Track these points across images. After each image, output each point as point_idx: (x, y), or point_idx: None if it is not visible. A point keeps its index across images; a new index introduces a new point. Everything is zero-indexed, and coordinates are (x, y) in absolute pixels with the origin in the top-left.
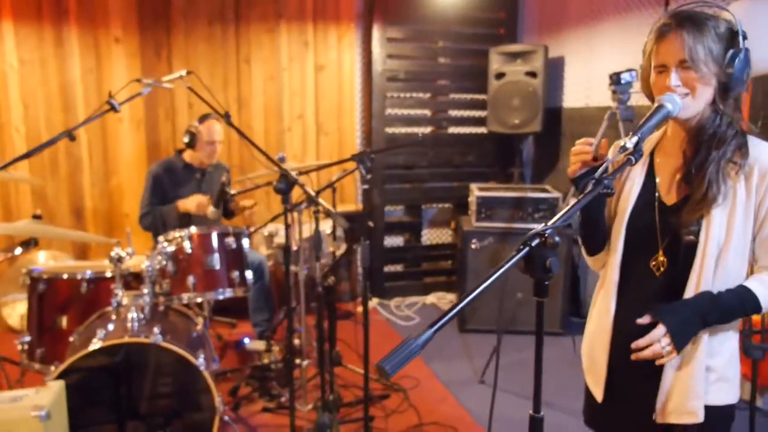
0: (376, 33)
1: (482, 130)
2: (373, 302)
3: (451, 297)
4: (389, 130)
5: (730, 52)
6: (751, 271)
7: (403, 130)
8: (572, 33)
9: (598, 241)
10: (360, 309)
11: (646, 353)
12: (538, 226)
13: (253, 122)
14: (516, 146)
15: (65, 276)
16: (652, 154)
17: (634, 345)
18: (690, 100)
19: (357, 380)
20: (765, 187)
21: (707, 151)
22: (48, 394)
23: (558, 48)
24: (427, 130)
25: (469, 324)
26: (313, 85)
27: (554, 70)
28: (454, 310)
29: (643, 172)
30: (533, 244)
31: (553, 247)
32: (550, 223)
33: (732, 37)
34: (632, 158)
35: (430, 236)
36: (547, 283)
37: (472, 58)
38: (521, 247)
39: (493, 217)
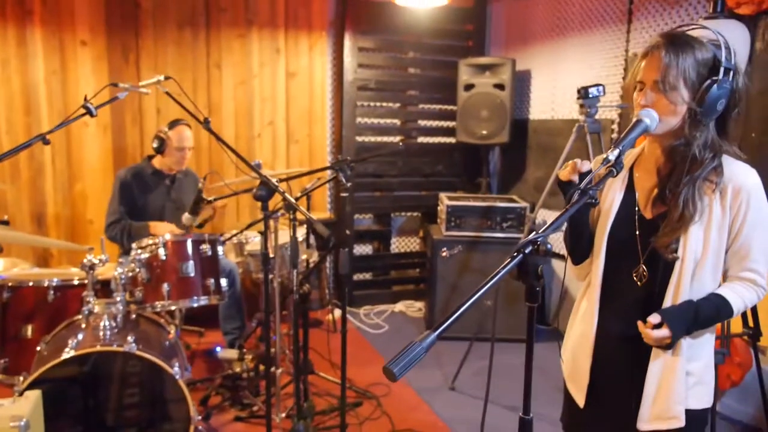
0: (348, 42)
1: (451, 140)
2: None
3: (419, 305)
4: (360, 138)
5: (707, 82)
6: (723, 280)
7: (374, 139)
8: (538, 47)
9: (583, 251)
10: (329, 317)
11: (651, 336)
12: (499, 236)
13: (223, 128)
14: (484, 156)
15: (31, 283)
16: (631, 169)
17: (647, 324)
18: (656, 121)
19: (329, 388)
20: (738, 205)
21: (680, 173)
22: (26, 404)
23: (525, 61)
24: (397, 139)
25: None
26: (284, 92)
27: (521, 82)
28: (456, 314)
29: (623, 186)
30: (527, 251)
31: (544, 254)
32: (541, 231)
33: (715, 66)
34: (614, 170)
35: (398, 245)
36: (538, 289)
37: (442, 69)
38: (515, 254)
39: (462, 226)
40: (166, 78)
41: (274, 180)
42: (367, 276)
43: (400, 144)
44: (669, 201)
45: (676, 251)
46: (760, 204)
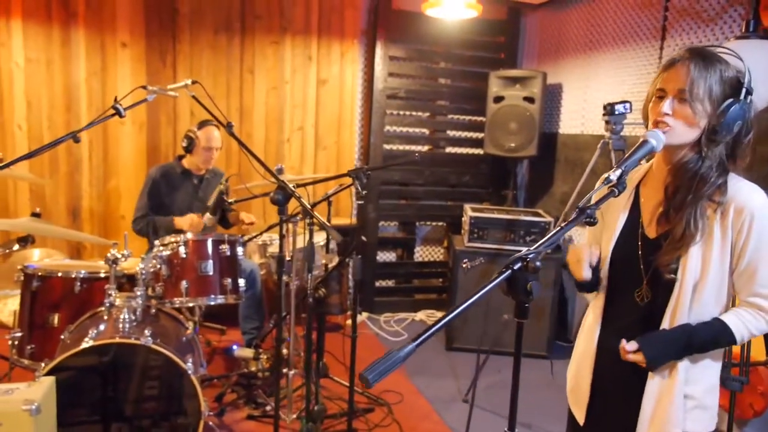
0: (379, 51)
1: (479, 151)
2: (363, 316)
3: (440, 315)
4: (387, 146)
5: (729, 100)
6: (732, 303)
7: (401, 147)
8: (570, 61)
9: (592, 286)
10: (349, 322)
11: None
12: (522, 250)
13: (253, 132)
14: (511, 169)
15: (60, 274)
16: (638, 187)
17: (621, 347)
18: (670, 131)
19: (343, 393)
20: (740, 224)
21: (686, 191)
22: (39, 389)
23: (556, 75)
24: (425, 148)
25: (456, 342)
26: (315, 98)
27: (552, 96)
28: (436, 327)
29: (628, 203)
30: (515, 267)
31: (534, 271)
32: (533, 248)
33: (736, 86)
34: (615, 190)
35: (422, 253)
36: (527, 305)
37: (472, 80)
38: (504, 269)
39: (484, 237)
40: (193, 82)
41: (292, 185)
42: (390, 283)
43: (417, 154)
44: (672, 220)
45: (675, 272)
46: (766, 225)
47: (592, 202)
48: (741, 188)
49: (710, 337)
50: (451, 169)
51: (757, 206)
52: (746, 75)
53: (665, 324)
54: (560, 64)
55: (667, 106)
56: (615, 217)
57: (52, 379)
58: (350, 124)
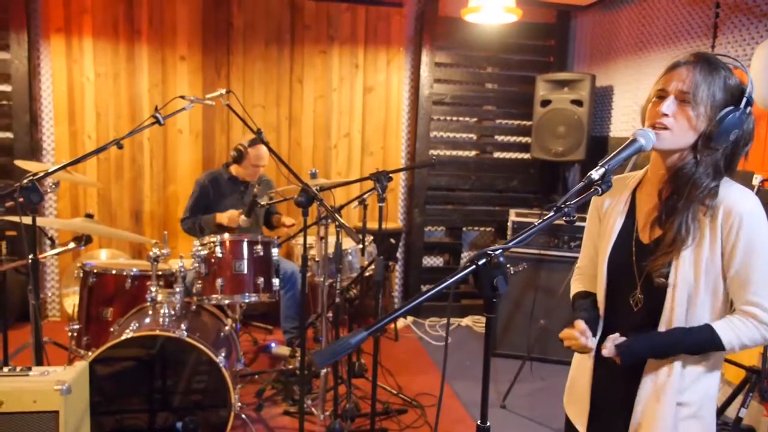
0: (425, 57)
1: (526, 156)
2: (408, 320)
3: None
4: (434, 152)
5: (728, 108)
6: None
7: (448, 152)
8: (621, 62)
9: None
10: (393, 325)
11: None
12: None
13: (302, 139)
14: (560, 173)
15: (113, 272)
16: (635, 192)
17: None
18: (668, 133)
19: (379, 393)
20: (729, 227)
21: (679, 196)
22: (72, 372)
23: (607, 77)
24: (472, 153)
25: (499, 348)
26: (361, 105)
27: (602, 98)
28: (388, 318)
29: (624, 210)
30: (479, 262)
31: (497, 266)
32: (504, 244)
33: (738, 95)
34: (599, 189)
35: None
36: (494, 300)
37: (520, 84)
38: (468, 264)
39: (528, 242)
40: (227, 91)
41: (316, 188)
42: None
43: (433, 158)
44: (664, 225)
45: (666, 276)
46: (756, 229)
47: (572, 201)
48: (732, 191)
49: (695, 342)
50: (498, 174)
51: (747, 210)
52: (749, 85)
53: (662, 329)
54: (611, 66)
55: (666, 106)
56: (612, 222)
57: (85, 363)
58: (396, 130)
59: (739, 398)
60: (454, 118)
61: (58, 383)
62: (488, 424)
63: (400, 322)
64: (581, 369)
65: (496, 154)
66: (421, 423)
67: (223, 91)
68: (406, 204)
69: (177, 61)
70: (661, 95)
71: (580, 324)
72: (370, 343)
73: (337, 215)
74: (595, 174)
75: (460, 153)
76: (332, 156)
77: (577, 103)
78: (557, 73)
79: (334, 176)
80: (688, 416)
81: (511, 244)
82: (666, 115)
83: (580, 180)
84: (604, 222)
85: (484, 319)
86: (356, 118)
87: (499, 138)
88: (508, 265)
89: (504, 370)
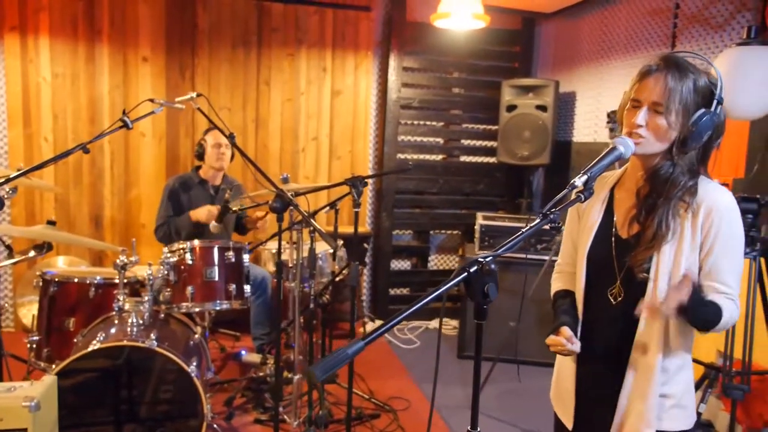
0: (393, 62)
1: (492, 160)
2: (376, 324)
3: (454, 323)
4: (401, 155)
5: (701, 110)
6: None
7: (415, 156)
8: (584, 69)
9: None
10: (362, 330)
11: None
12: (533, 257)
13: (269, 142)
14: (526, 177)
15: (75, 280)
16: (613, 190)
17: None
18: (643, 141)
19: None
20: (709, 225)
21: (658, 194)
22: (40, 387)
23: (570, 83)
24: (439, 157)
25: (468, 350)
26: (329, 109)
27: (565, 104)
28: (386, 327)
29: (602, 207)
30: (471, 270)
31: (489, 273)
32: (492, 251)
33: (708, 96)
34: (582, 196)
35: (437, 262)
36: (485, 307)
37: (486, 89)
38: (460, 271)
39: (495, 245)
40: (198, 95)
41: (291, 194)
42: (404, 291)
43: (410, 163)
44: (644, 221)
45: (648, 271)
46: (731, 225)
47: (557, 207)
48: (710, 190)
49: (713, 313)
50: (465, 177)
51: (725, 207)
52: (719, 83)
53: (642, 322)
54: (574, 73)
55: (641, 117)
56: (591, 219)
57: (54, 377)
58: (364, 134)
59: (698, 394)
60: (422, 123)
61: (26, 399)
62: (479, 429)
63: (369, 326)
64: (565, 367)
65: (463, 158)
66: (394, 427)
67: (194, 94)
68: (374, 208)
69: (139, 62)
70: (635, 105)
71: (566, 331)
72: None
73: (312, 220)
74: (578, 181)
75: (428, 157)
76: (300, 160)
77: (542, 108)
78: (522, 79)
79: (302, 180)
80: (673, 406)
81: (500, 251)
82: (641, 125)
83: (544, 183)
84: (583, 219)
85: (453, 322)
86: (324, 121)
87: (466, 142)
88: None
89: (472, 371)
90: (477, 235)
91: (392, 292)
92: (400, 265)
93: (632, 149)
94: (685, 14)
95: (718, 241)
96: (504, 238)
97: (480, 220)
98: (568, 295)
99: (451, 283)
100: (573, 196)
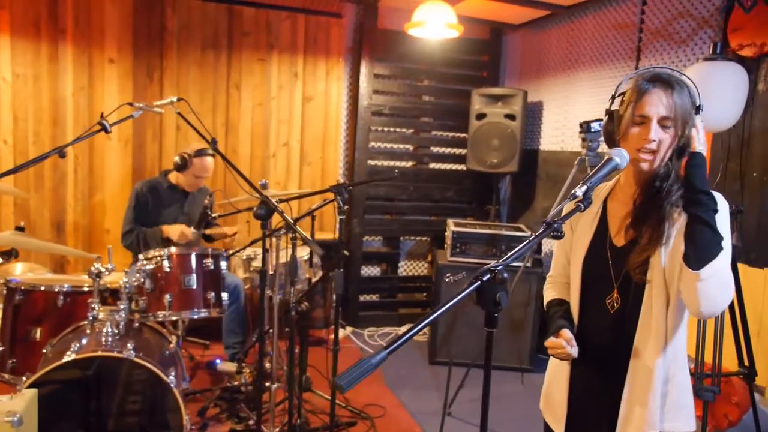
0: (364, 69)
1: (462, 167)
2: (347, 330)
3: (424, 329)
4: (372, 162)
5: (694, 118)
6: None
7: (386, 163)
8: (551, 80)
9: None
10: (333, 336)
11: None
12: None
13: (239, 147)
14: (494, 185)
15: (42, 288)
16: (605, 201)
17: None
18: (655, 156)
19: (325, 406)
20: None
21: (653, 200)
22: (21, 401)
23: (537, 93)
24: (409, 164)
25: (439, 356)
26: (300, 114)
27: (533, 113)
28: (409, 335)
29: (596, 217)
30: (484, 278)
31: (501, 282)
32: (502, 260)
33: (692, 106)
34: (581, 205)
35: (406, 268)
36: (496, 315)
37: (455, 97)
38: (473, 280)
39: (467, 252)
40: (179, 99)
41: (275, 200)
42: (374, 297)
43: (396, 171)
44: (639, 227)
45: (645, 273)
46: (725, 215)
47: (559, 217)
48: None
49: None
50: (434, 184)
51: (718, 199)
52: (696, 91)
53: (642, 327)
54: (541, 83)
55: (654, 132)
56: (584, 230)
57: (34, 391)
58: (335, 140)
59: None
60: (392, 129)
61: (9, 414)
62: None
63: (341, 332)
64: (558, 374)
65: (433, 165)
66: None
67: (174, 98)
68: (345, 214)
69: (105, 63)
70: (641, 121)
71: (566, 333)
72: (316, 356)
73: (298, 227)
74: (579, 191)
75: (398, 164)
76: (270, 165)
77: (511, 117)
78: (492, 88)
79: (273, 186)
80: (673, 407)
81: (510, 259)
82: (654, 140)
83: (512, 191)
84: (576, 232)
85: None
86: (295, 127)
87: (436, 149)
88: (448, 274)
89: (445, 377)
90: (449, 241)
91: (362, 298)
92: (370, 271)
93: (627, 160)
94: (650, 29)
95: None
96: (476, 244)
97: (452, 227)
98: (563, 303)
99: (466, 292)
100: (573, 206)
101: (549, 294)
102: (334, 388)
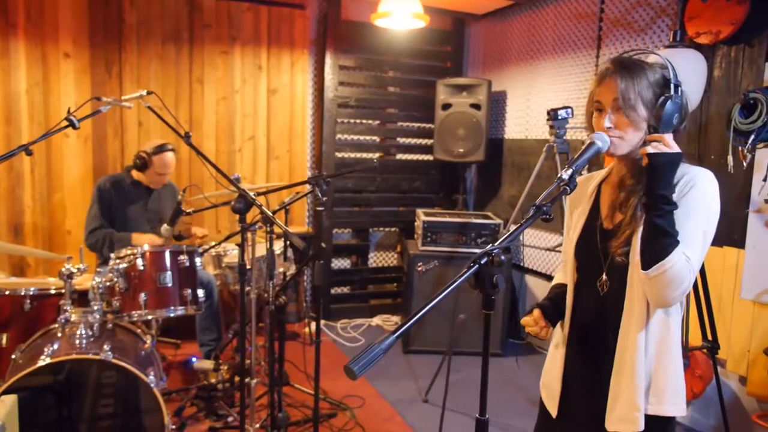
0: (329, 60)
1: (429, 157)
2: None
3: (396, 319)
4: (339, 154)
5: (662, 98)
6: None
7: (353, 155)
8: (514, 69)
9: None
10: (306, 330)
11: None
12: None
13: (204, 142)
14: (460, 174)
15: (7, 292)
16: (600, 186)
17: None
18: (619, 141)
19: (304, 399)
20: (683, 191)
21: (638, 181)
22: (2, 408)
23: (501, 82)
24: (376, 156)
25: (413, 345)
26: (266, 108)
27: (497, 103)
28: (414, 319)
29: (590, 202)
30: (482, 261)
31: (499, 264)
32: (497, 243)
33: (666, 84)
34: (567, 188)
35: (376, 259)
36: (493, 297)
37: (421, 88)
38: (471, 264)
39: (438, 241)
40: (149, 93)
41: (251, 194)
42: (345, 290)
43: (375, 161)
44: (625, 207)
45: (626, 255)
46: (703, 192)
47: (546, 200)
48: (692, 169)
49: (671, 225)
50: (402, 175)
51: (700, 177)
52: (670, 71)
53: (626, 309)
54: (504, 72)
55: (607, 121)
56: (579, 214)
57: (13, 397)
58: (302, 133)
59: None
60: (359, 121)
61: None
62: (487, 417)
63: (314, 325)
64: (555, 356)
65: (400, 156)
66: (352, 425)
67: (144, 92)
68: (313, 207)
69: (60, 58)
70: (599, 108)
71: (535, 312)
72: (291, 350)
73: (277, 220)
74: (565, 174)
75: (365, 155)
76: (237, 160)
77: (476, 106)
78: (457, 78)
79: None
80: (661, 391)
81: (505, 242)
82: (610, 127)
83: (478, 179)
84: (574, 215)
85: (393, 318)
86: (261, 120)
87: (402, 140)
88: (420, 264)
89: (420, 365)
90: (419, 231)
91: (334, 291)
92: (340, 263)
93: (608, 143)
94: (610, 18)
95: (683, 203)
96: (446, 233)
97: (422, 216)
98: (561, 287)
99: (466, 275)
100: (560, 190)
101: (556, 278)
102: (347, 374)
